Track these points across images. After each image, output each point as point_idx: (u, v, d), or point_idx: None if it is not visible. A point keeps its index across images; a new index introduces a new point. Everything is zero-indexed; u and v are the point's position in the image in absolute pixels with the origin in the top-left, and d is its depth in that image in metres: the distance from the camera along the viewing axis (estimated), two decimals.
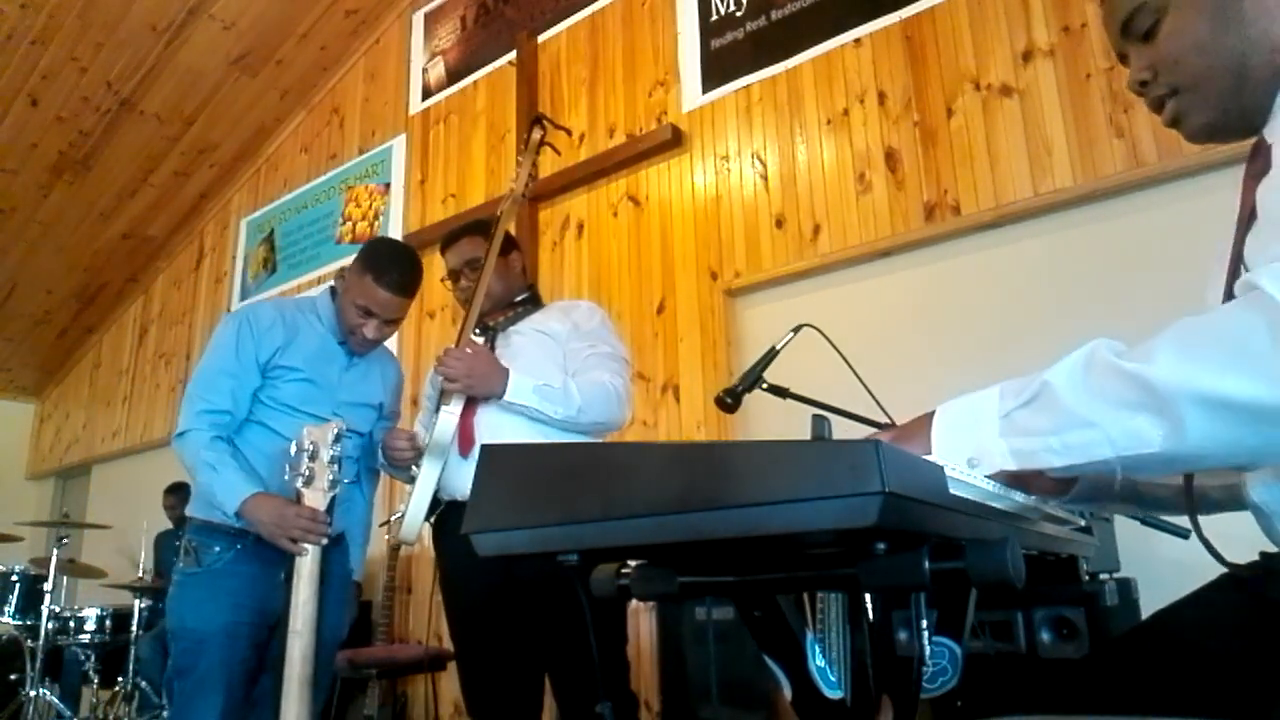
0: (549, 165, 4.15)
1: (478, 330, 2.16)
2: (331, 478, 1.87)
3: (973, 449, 0.80)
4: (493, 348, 2.13)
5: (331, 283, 2.18)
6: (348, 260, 5.43)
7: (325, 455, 1.88)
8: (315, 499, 1.87)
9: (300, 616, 1.80)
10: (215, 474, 1.92)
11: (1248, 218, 0.92)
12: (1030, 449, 0.77)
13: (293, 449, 1.88)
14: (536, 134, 2.39)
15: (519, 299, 2.26)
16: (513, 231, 2.37)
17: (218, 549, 1.96)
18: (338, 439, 1.89)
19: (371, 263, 2.06)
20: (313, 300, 2.18)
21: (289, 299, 2.16)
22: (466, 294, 2.18)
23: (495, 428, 1.99)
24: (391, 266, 2.05)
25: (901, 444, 0.82)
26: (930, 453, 0.82)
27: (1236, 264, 0.94)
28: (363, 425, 2.14)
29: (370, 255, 2.09)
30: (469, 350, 2.00)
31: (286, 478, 1.88)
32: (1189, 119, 0.98)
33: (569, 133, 2.63)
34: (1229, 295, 0.94)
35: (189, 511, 2.04)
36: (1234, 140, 0.99)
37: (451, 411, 1.96)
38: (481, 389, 1.97)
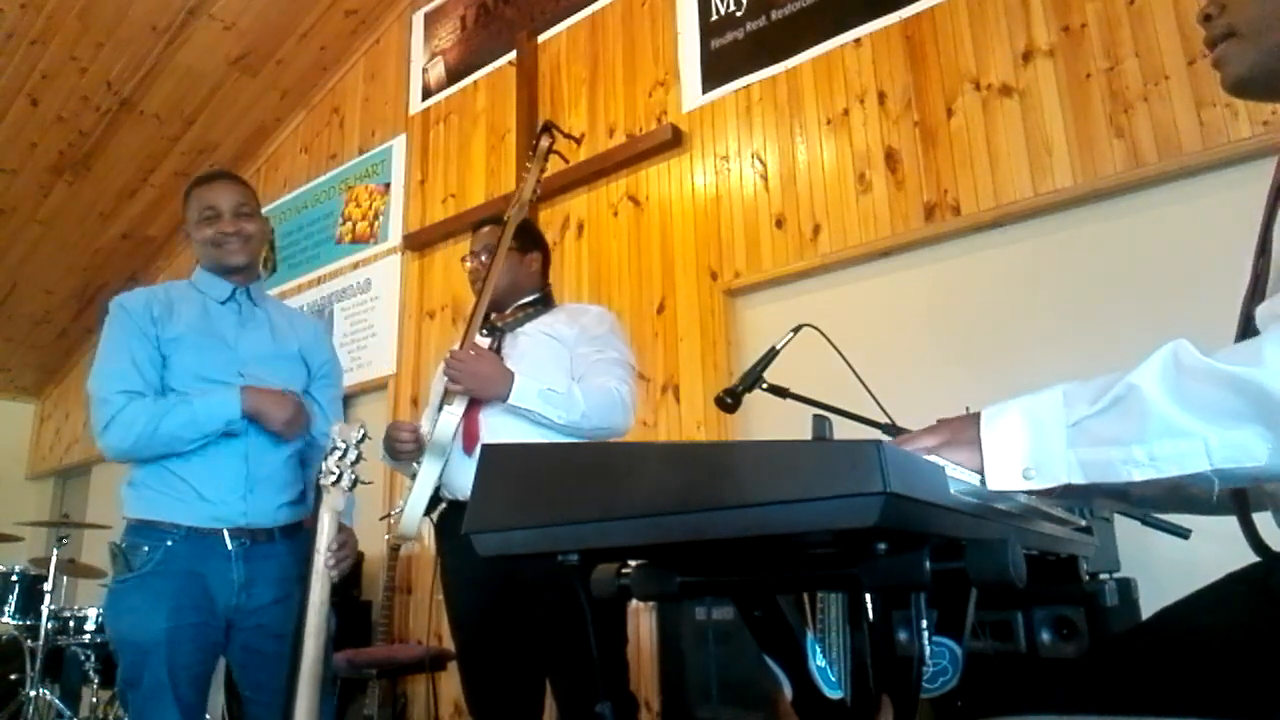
0: (549, 165, 4.15)
1: (484, 331, 2.17)
2: (354, 477, 1.87)
3: (1031, 459, 0.74)
4: (499, 347, 2.13)
5: (199, 265, 2.10)
6: (347, 260, 5.37)
7: (351, 455, 1.87)
8: (337, 499, 1.86)
9: (315, 618, 1.79)
10: (190, 405, 1.84)
11: (1277, 193, 0.91)
12: (1106, 460, 0.70)
13: (327, 447, 1.88)
14: (545, 141, 2.37)
15: (529, 299, 2.25)
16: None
17: (146, 549, 1.85)
18: (362, 439, 1.89)
19: (187, 192, 2.08)
20: (183, 282, 2.11)
21: (159, 285, 2.11)
22: (475, 276, 2.21)
23: (498, 429, 1.99)
24: (202, 175, 2.12)
25: (949, 450, 0.78)
26: (980, 461, 0.76)
27: (1266, 237, 0.93)
28: (293, 382, 2.05)
29: (185, 195, 2.10)
30: (473, 352, 2.00)
31: (321, 480, 1.86)
32: (1232, 65, 0.95)
33: (578, 141, 2.62)
34: (1259, 270, 0.93)
35: (125, 512, 1.92)
36: (1269, 99, 0.96)
37: (453, 412, 1.96)
38: (485, 392, 1.97)
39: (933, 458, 0.78)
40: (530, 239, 2.28)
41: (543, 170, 2.38)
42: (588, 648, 1.85)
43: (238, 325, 2.03)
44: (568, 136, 2.51)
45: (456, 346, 2.06)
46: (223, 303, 2.04)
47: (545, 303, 2.28)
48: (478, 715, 2.07)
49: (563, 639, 1.93)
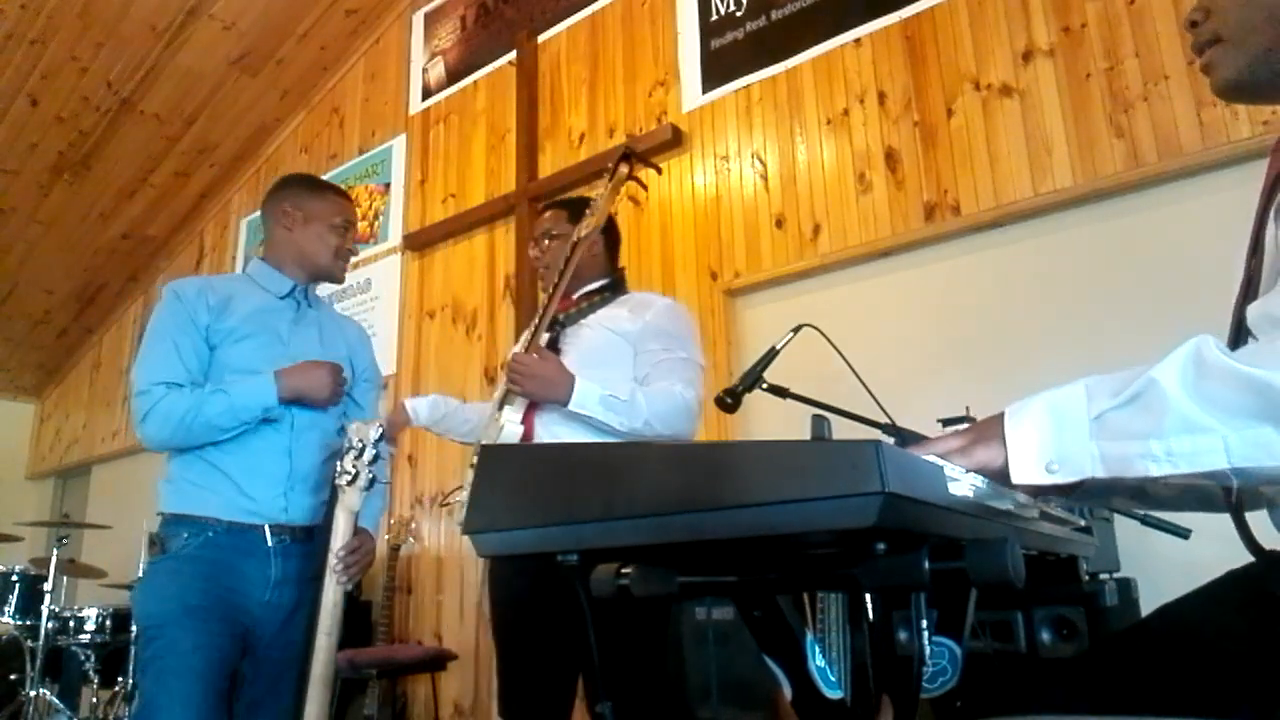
0: (548, 165, 4.16)
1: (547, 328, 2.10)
2: (371, 475, 1.86)
3: (1055, 452, 0.74)
4: (557, 341, 2.06)
5: (256, 258, 2.11)
6: None
7: (369, 454, 1.86)
8: (352, 499, 1.85)
9: (330, 618, 1.79)
10: (227, 395, 1.83)
11: (1272, 184, 0.92)
12: (1125, 454, 0.71)
13: (343, 446, 1.87)
14: (623, 169, 2.20)
15: (595, 286, 2.15)
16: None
17: (185, 535, 1.84)
18: (380, 438, 1.88)
19: (313, 186, 2.13)
20: (238, 274, 2.12)
21: (215, 275, 2.13)
22: (536, 265, 2.19)
23: (555, 431, 1.95)
24: (328, 182, 2.20)
25: (978, 449, 0.79)
26: (1004, 457, 0.77)
27: (1259, 236, 0.93)
28: None
29: (302, 183, 2.14)
30: (537, 355, 1.95)
31: (337, 480, 1.85)
32: (1220, 69, 0.96)
33: (659, 170, 2.44)
34: (1251, 270, 0.94)
35: (161, 508, 1.91)
36: (1258, 102, 0.98)
37: (514, 419, 1.93)
38: (546, 396, 1.92)
39: (959, 458, 0.78)
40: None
41: (616, 196, 2.23)
42: (631, 653, 1.77)
43: (292, 322, 2.04)
44: (649, 164, 2.31)
45: (519, 348, 2.01)
46: (281, 298, 2.05)
47: (615, 289, 2.16)
48: (510, 712, 2.00)
49: (611, 647, 1.87)
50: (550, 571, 2.01)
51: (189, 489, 1.89)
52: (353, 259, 2.17)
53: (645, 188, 2.36)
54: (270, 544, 1.88)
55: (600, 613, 1.83)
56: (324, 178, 5.30)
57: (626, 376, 1.99)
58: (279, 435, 1.93)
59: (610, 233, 2.23)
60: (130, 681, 3.84)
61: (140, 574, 3.90)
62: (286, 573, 1.90)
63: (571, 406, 1.89)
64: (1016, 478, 0.77)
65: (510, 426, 1.91)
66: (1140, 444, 0.70)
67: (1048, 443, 0.75)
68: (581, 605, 1.87)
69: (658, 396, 1.93)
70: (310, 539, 1.94)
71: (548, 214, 2.25)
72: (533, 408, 1.97)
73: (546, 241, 2.18)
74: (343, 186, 5.16)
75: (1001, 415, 0.79)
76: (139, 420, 1.86)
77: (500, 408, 1.97)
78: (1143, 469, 0.70)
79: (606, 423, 1.89)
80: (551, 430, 1.95)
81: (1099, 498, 1.11)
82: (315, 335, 2.07)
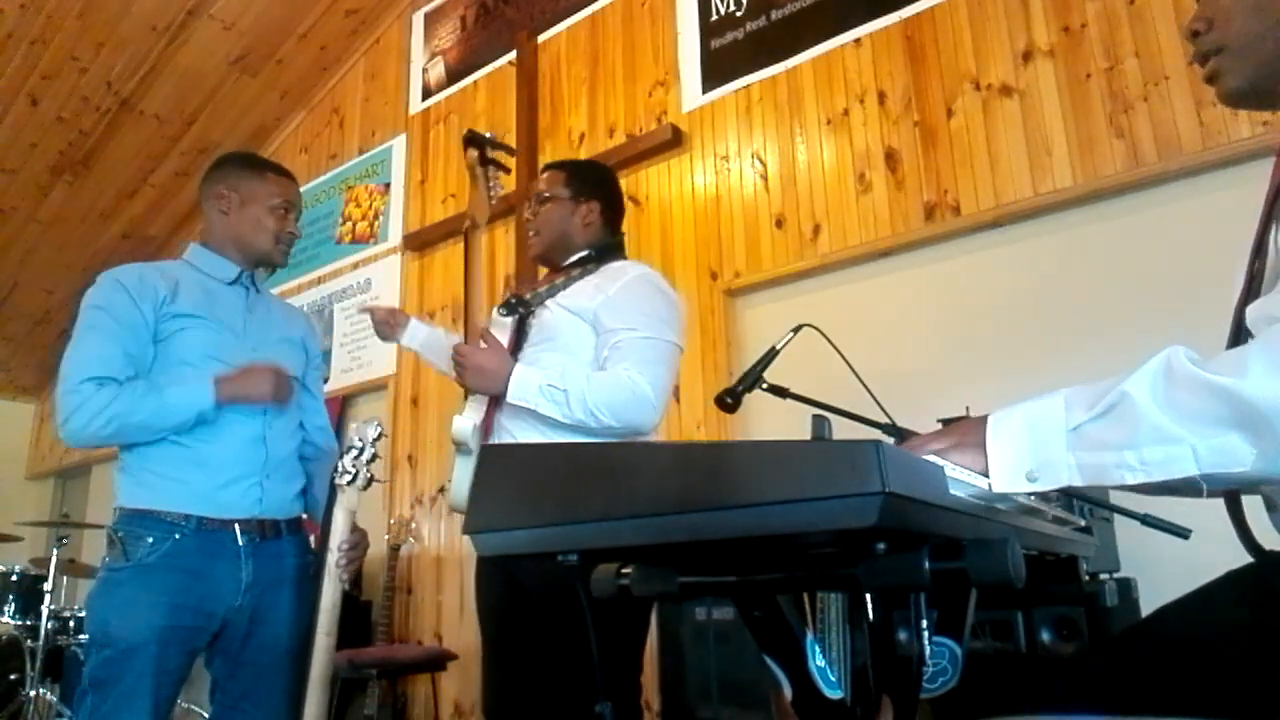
0: (498, 176, 4.15)
1: (503, 310, 1.98)
2: (369, 476, 1.85)
3: (1034, 462, 0.77)
4: (523, 325, 1.95)
5: (195, 243, 1.99)
6: (348, 259, 5.34)
7: (368, 454, 1.84)
8: (352, 498, 1.83)
9: (329, 618, 1.78)
10: (160, 394, 1.72)
11: (1277, 190, 0.92)
12: (1102, 464, 0.74)
13: (344, 445, 1.85)
14: (471, 154, 2.09)
15: (578, 257, 1.99)
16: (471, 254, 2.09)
17: (150, 540, 1.71)
18: (378, 438, 1.86)
19: (251, 165, 2.00)
20: (178, 261, 1.98)
21: (151, 264, 1.97)
22: (528, 226, 2.07)
23: (508, 428, 1.85)
24: (268, 161, 2.07)
25: (955, 454, 0.80)
26: (984, 464, 0.79)
27: (1263, 237, 0.93)
28: (297, 367, 2.00)
29: (239, 162, 2.01)
30: (483, 343, 1.86)
31: (337, 479, 1.82)
32: (1225, 79, 0.97)
33: (511, 151, 2.32)
34: (1254, 270, 0.94)
35: (117, 502, 1.80)
36: (1264, 108, 0.99)
37: (472, 411, 1.86)
38: (484, 387, 1.83)
39: (938, 460, 0.79)
40: (587, 185, 2.02)
41: (488, 183, 2.12)
42: (577, 649, 1.73)
43: (245, 310, 1.95)
44: (499, 146, 2.19)
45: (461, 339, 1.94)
46: (228, 284, 1.95)
47: (600, 258, 1.98)
48: (492, 712, 1.98)
49: (561, 639, 1.82)
50: (527, 576, 1.93)
51: (152, 480, 1.77)
52: (296, 243, 2.04)
53: (507, 170, 2.24)
54: (240, 543, 1.79)
55: (557, 610, 1.79)
56: (324, 176, 5.35)
57: (586, 359, 1.85)
58: (253, 421, 1.84)
59: (604, 198, 2.05)
60: None
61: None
62: (258, 575, 1.81)
63: (509, 398, 1.77)
64: (998, 485, 0.79)
65: (461, 421, 1.83)
66: (1115, 454, 0.73)
67: (1027, 453, 0.78)
68: (544, 607, 1.84)
69: (604, 384, 1.75)
70: (279, 536, 1.87)
71: (545, 175, 2.08)
72: (494, 403, 1.86)
73: (540, 206, 2.03)
74: (342, 186, 5.23)
75: (982, 421, 0.81)
76: (62, 420, 1.72)
77: (466, 397, 1.89)
78: (1118, 478, 0.73)
79: (548, 414, 1.75)
80: (505, 426, 1.84)
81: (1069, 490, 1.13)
82: (270, 323, 1.99)
